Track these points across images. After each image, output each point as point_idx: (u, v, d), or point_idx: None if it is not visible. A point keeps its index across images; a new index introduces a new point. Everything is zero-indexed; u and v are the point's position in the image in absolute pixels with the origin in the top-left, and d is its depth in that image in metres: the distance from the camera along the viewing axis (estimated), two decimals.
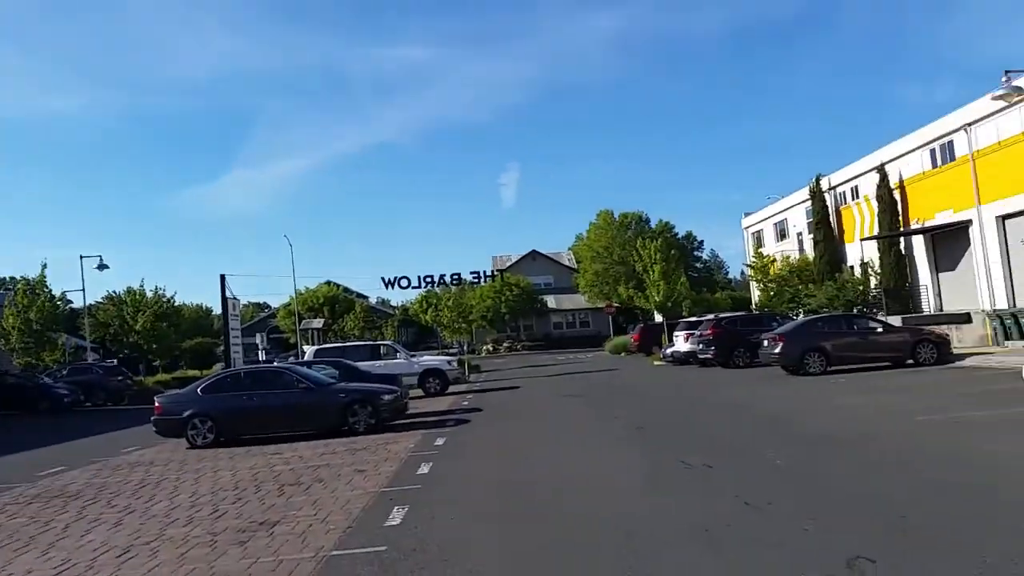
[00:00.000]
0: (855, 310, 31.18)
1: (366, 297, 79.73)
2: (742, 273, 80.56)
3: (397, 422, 15.59)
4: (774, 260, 39.97)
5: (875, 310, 30.59)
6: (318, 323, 52.18)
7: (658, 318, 44.09)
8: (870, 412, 12.60)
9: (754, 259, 38.40)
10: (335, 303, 65.39)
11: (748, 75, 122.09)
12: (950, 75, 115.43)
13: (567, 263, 74.80)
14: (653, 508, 7.05)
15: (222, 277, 27.66)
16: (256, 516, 8.01)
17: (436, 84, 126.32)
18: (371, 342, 29.47)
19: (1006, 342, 23.33)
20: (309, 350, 26.88)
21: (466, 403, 20.14)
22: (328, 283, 70.11)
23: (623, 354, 43.40)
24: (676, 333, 29.45)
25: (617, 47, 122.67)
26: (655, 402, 17.52)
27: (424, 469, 10.12)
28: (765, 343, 21.50)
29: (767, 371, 22.65)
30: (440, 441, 12.73)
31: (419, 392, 23.40)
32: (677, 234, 64.18)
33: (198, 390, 15.24)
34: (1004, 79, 19.83)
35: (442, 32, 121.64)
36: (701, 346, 26.25)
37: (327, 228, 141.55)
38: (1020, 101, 21.17)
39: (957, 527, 5.66)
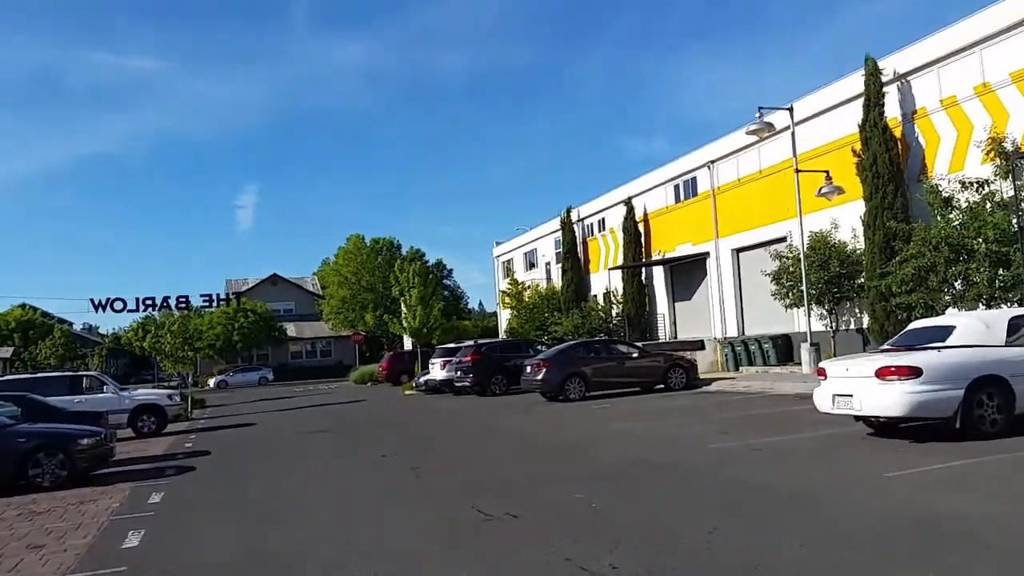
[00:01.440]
0: (599, 336, 31.95)
1: (70, 323, 69.46)
2: (480, 303, 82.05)
3: (99, 471, 12.19)
4: (528, 287, 40.22)
5: (617, 337, 31.50)
6: (6, 352, 43.84)
7: (408, 345, 42.61)
8: (655, 439, 11.79)
9: (509, 285, 38.29)
10: (29, 329, 55.88)
11: (489, 117, 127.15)
12: (664, 132, 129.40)
13: (311, 288, 70.84)
14: None
15: None
16: None
17: (166, 98, 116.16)
18: (71, 373, 24.43)
19: (740, 368, 24.71)
20: None
21: (189, 445, 16.85)
22: (23, 306, 59.92)
23: (369, 384, 41.26)
24: (432, 360, 27.95)
25: (363, 77, 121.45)
26: (423, 436, 15.64)
27: (133, 540, 7.38)
28: (528, 369, 20.65)
29: (525, 398, 21.87)
30: (156, 497, 9.80)
31: (130, 433, 19.48)
32: (428, 261, 63.29)
33: None
34: (758, 115, 20.97)
35: (175, 44, 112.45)
36: (459, 373, 24.95)
37: (27, 245, 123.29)
38: (771, 136, 22.63)
39: None
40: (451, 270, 72.17)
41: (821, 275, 21.48)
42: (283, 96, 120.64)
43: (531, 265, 45.87)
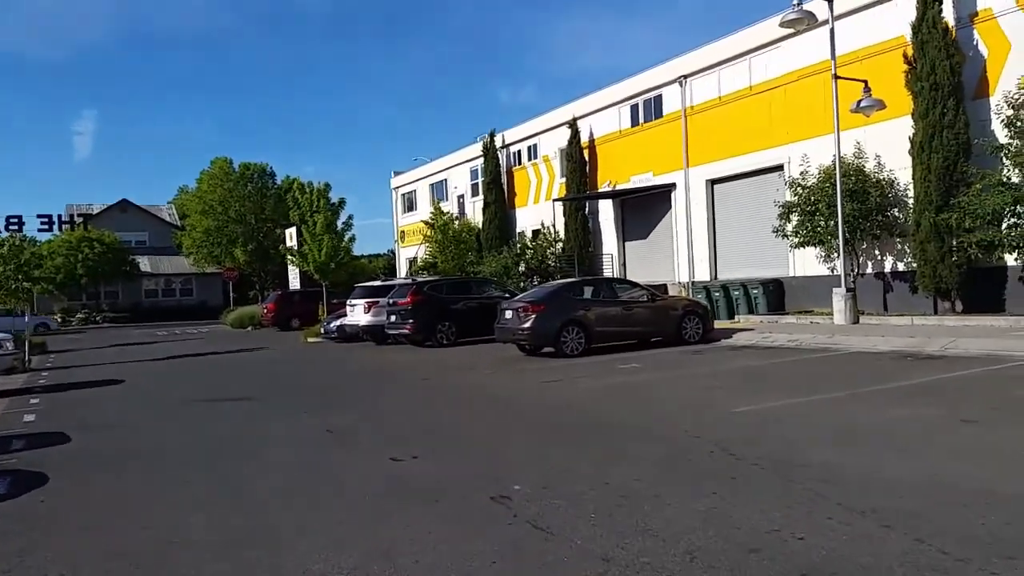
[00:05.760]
0: (535, 280, 27.55)
1: None
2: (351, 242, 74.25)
3: None
4: (457, 218, 34.80)
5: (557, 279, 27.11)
6: None
7: (295, 284, 36.45)
8: (880, 440, 7.34)
9: (432, 216, 32.71)
10: None
11: (351, 52, 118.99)
12: (534, 82, 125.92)
13: (167, 218, 61.78)
14: None
15: None
16: None
17: None
18: None
19: (736, 316, 20.89)
20: None
21: (31, 418, 11.00)
22: None
23: (250, 328, 34.99)
24: (352, 301, 22.36)
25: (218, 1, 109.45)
26: (417, 410, 10.45)
27: None
28: (508, 314, 15.73)
29: (489, 350, 17.26)
30: None
31: None
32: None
33: None
34: (795, 2, 16.85)
35: None
36: (394, 318, 19.67)
37: None
38: (810, 28, 18.42)
39: None
40: (343, 199, 64.26)
41: (856, 207, 17.78)
42: (131, 12, 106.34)
43: (439, 199, 40.37)
